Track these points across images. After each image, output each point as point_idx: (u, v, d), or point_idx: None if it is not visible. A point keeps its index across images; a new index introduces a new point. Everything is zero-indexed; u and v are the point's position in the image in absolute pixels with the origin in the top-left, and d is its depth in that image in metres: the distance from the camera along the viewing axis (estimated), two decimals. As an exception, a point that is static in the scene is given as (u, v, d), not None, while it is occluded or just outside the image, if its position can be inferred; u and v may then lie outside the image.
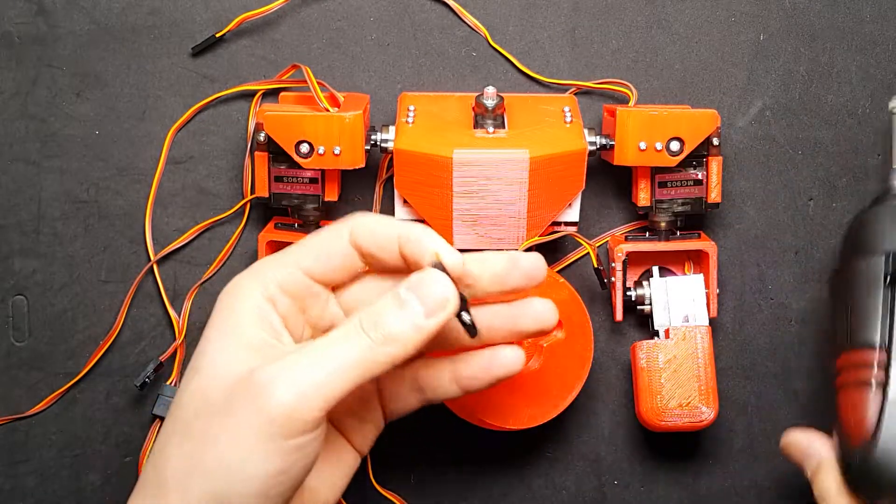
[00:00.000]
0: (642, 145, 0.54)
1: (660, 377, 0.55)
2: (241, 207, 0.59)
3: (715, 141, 0.55)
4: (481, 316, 0.44)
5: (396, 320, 0.40)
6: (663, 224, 0.57)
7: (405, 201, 0.55)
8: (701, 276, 0.57)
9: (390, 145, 0.54)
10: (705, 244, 0.57)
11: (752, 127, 0.60)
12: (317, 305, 0.44)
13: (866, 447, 0.45)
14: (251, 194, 0.58)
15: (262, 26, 0.59)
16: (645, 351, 0.56)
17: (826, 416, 0.50)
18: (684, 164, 0.55)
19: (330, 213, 0.59)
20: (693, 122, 0.54)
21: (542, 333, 0.46)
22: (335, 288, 0.45)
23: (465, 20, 0.59)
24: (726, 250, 0.60)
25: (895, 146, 0.53)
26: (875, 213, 0.54)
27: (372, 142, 0.54)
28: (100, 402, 0.60)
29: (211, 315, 0.43)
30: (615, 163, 0.55)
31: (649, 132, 0.54)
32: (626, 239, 0.57)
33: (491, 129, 0.53)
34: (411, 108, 0.55)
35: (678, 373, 0.55)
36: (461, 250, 0.54)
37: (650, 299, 0.57)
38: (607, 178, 0.59)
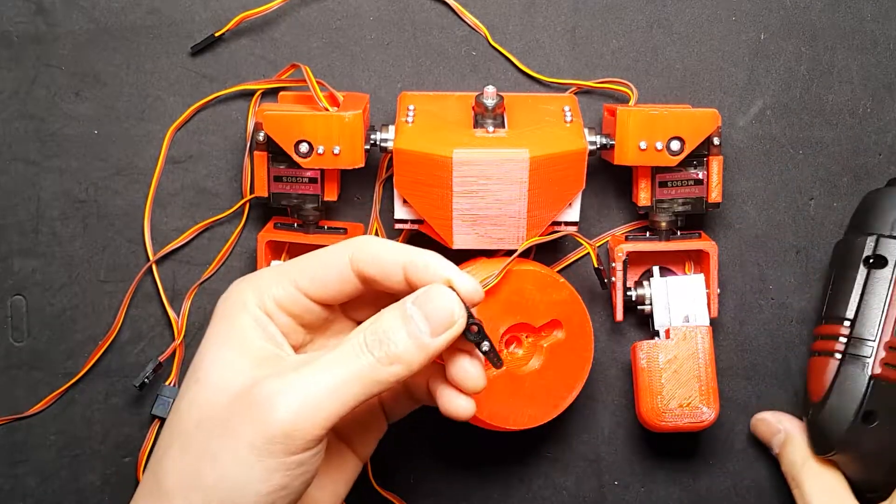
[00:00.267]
0: (643, 145, 0.54)
1: (660, 377, 0.55)
2: (240, 207, 0.59)
3: (715, 140, 0.55)
4: None
5: (401, 339, 0.39)
6: (664, 224, 0.57)
7: (405, 201, 0.55)
8: (701, 276, 0.57)
9: (390, 145, 0.54)
10: (706, 244, 0.57)
11: (753, 126, 0.60)
12: (316, 320, 0.44)
13: (818, 406, 0.53)
14: (250, 194, 0.58)
15: (262, 26, 0.59)
16: (645, 351, 0.56)
17: (874, 390, 0.52)
18: (685, 164, 0.55)
19: (329, 212, 0.59)
20: (693, 121, 0.54)
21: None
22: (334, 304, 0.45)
23: (465, 19, 0.59)
24: (727, 250, 0.60)
25: None
26: (878, 194, 0.56)
27: (371, 141, 0.54)
28: (99, 402, 0.60)
29: (210, 323, 0.43)
30: (615, 162, 0.55)
31: (650, 132, 0.54)
32: (627, 239, 0.57)
33: (491, 129, 0.53)
34: (411, 107, 0.55)
35: (679, 373, 0.55)
36: (461, 250, 0.54)
37: (650, 299, 0.57)
38: (607, 178, 0.59)
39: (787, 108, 0.60)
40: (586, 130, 0.54)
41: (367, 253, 0.42)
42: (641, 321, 0.59)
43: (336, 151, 0.53)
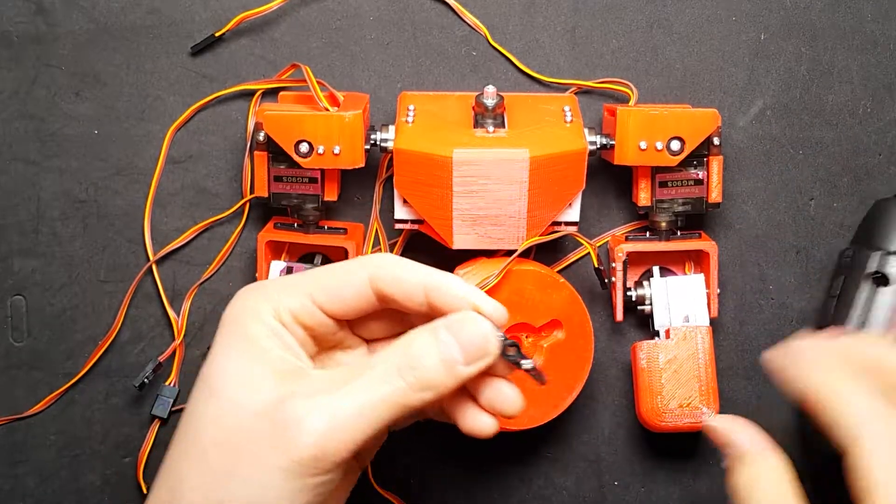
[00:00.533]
0: (643, 145, 0.54)
1: (660, 377, 0.55)
2: (240, 207, 0.59)
3: (716, 140, 0.55)
4: None
5: (434, 366, 0.39)
6: (664, 224, 0.57)
7: (405, 201, 0.55)
8: (701, 276, 0.57)
9: (390, 145, 0.54)
10: (706, 244, 0.57)
11: (753, 126, 0.60)
12: (325, 334, 0.43)
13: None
14: (251, 194, 0.58)
15: (262, 25, 0.59)
16: (645, 351, 0.56)
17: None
18: (685, 164, 0.55)
19: (329, 212, 0.59)
20: (694, 121, 0.54)
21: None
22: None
23: (465, 19, 0.59)
24: (727, 250, 0.60)
25: None
26: (887, 205, 0.56)
27: (372, 141, 0.54)
28: (99, 402, 0.60)
29: (219, 333, 0.41)
30: (615, 162, 0.55)
31: (650, 132, 0.54)
32: (627, 239, 0.57)
33: (491, 129, 0.53)
34: (411, 107, 0.55)
35: (679, 373, 0.55)
36: (461, 250, 0.54)
37: (650, 299, 0.57)
38: (607, 178, 0.59)
39: (787, 109, 0.60)
40: (586, 130, 0.54)
41: (388, 273, 0.41)
42: (641, 321, 0.59)
43: (336, 151, 0.53)
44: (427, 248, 0.58)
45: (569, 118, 0.55)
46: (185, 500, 0.38)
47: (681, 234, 0.57)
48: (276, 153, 0.54)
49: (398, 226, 0.56)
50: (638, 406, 0.56)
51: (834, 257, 0.59)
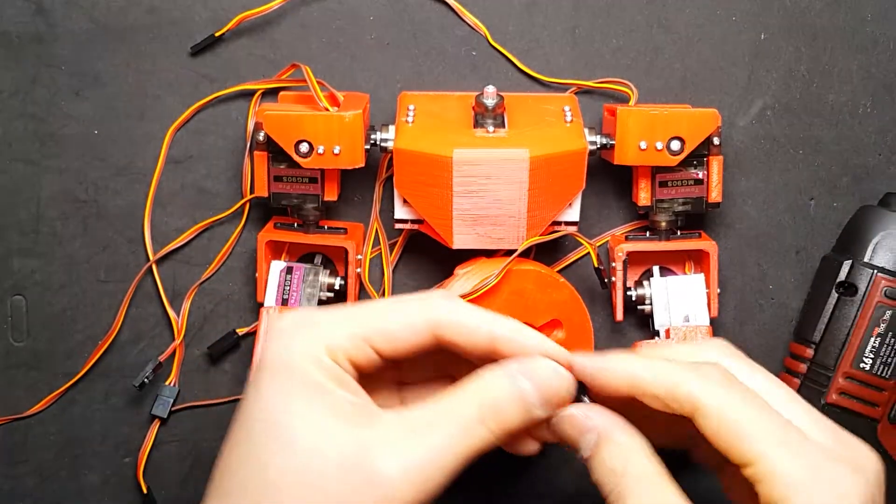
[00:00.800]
0: (643, 145, 0.54)
1: (660, 377, 0.55)
2: (240, 207, 0.59)
3: (715, 140, 0.55)
4: None
5: (516, 412, 0.38)
6: (664, 224, 0.57)
7: (405, 201, 0.55)
8: (701, 276, 0.57)
9: (390, 145, 0.54)
10: (706, 244, 0.57)
11: (753, 126, 0.60)
12: (373, 371, 0.41)
13: None
14: (250, 194, 0.58)
15: (262, 25, 0.59)
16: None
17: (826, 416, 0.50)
18: (685, 164, 0.55)
19: (329, 212, 0.59)
20: (694, 121, 0.54)
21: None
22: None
23: (465, 19, 0.59)
24: (727, 250, 0.60)
25: None
26: (866, 212, 0.56)
27: (372, 141, 0.54)
28: (99, 402, 0.60)
29: (272, 376, 0.37)
30: (615, 162, 0.55)
31: (650, 131, 0.54)
32: (627, 238, 0.57)
33: (491, 129, 0.53)
34: (411, 107, 0.55)
35: (678, 373, 0.55)
36: (461, 250, 0.54)
37: (651, 299, 0.57)
38: (607, 178, 0.59)
39: (787, 108, 0.60)
40: (586, 130, 0.54)
41: (452, 321, 0.39)
42: (641, 321, 0.59)
43: (336, 151, 0.53)
44: (427, 248, 0.58)
45: (569, 118, 0.55)
46: None
47: (681, 234, 0.57)
48: (276, 153, 0.54)
49: (398, 226, 0.56)
50: (638, 406, 0.56)
51: (834, 257, 0.60)
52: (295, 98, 0.57)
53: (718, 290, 0.57)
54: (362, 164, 0.54)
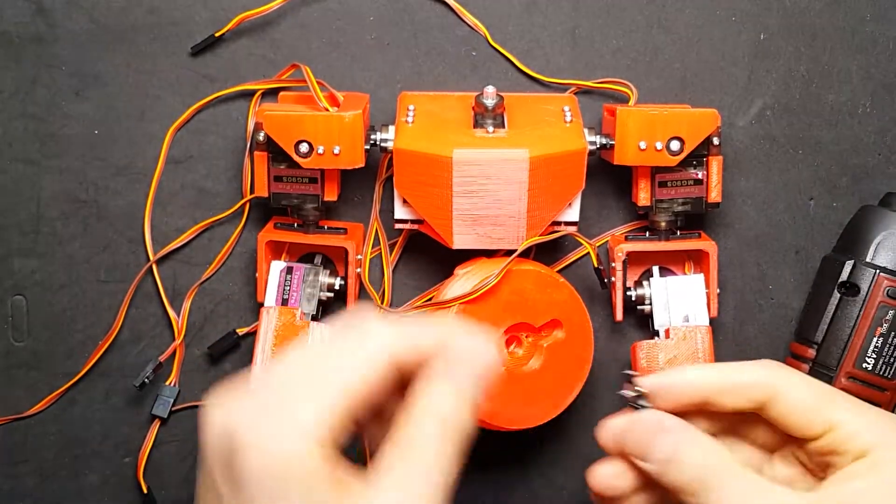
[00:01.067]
0: (642, 145, 0.54)
1: (660, 377, 0.55)
2: (240, 207, 0.59)
3: (715, 140, 0.55)
4: None
5: (469, 413, 0.37)
6: (663, 224, 0.57)
7: (405, 201, 0.55)
8: (701, 276, 0.57)
9: (390, 145, 0.54)
10: (705, 244, 0.57)
11: (753, 126, 0.60)
12: None
13: None
14: (251, 194, 0.58)
15: (262, 26, 0.59)
16: (645, 351, 0.56)
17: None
18: (684, 164, 0.55)
19: (329, 212, 0.59)
20: (693, 121, 0.54)
21: None
22: None
23: (465, 19, 0.59)
24: (726, 250, 0.60)
25: None
26: (867, 212, 0.56)
27: (372, 141, 0.54)
28: (99, 402, 0.60)
29: (261, 485, 0.33)
30: (615, 162, 0.55)
31: (649, 132, 0.54)
32: (626, 239, 0.57)
33: (491, 129, 0.53)
34: (411, 107, 0.55)
35: (678, 373, 0.55)
36: (461, 250, 0.54)
37: (650, 299, 0.57)
38: (607, 178, 0.59)
39: (787, 108, 0.60)
40: (586, 130, 0.54)
41: (408, 348, 0.37)
42: (641, 321, 0.59)
43: (336, 151, 0.53)
44: (427, 248, 0.58)
45: (568, 118, 0.55)
46: None
47: (680, 234, 0.57)
48: (276, 153, 0.55)
49: (398, 226, 0.56)
50: (638, 406, 0.56)
51: (834, 257, 0.60)
52: (295, 98, 0.57)
53: (718, 291, 0.57)
54: (362, 165, 0.54)
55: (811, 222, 0.60)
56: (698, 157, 0.56)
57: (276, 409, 0.34)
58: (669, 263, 0.59)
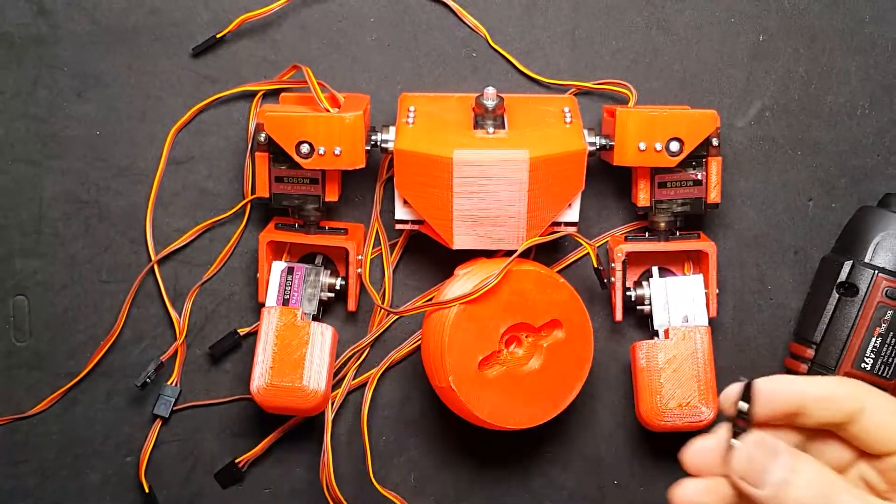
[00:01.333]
0: (642, 146, 0.54)
1: (659, 377, 0.55)
2: (241, 208, 0.59)
3: (714, 141, 0.55)
4: None
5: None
6: (663, 224, 0.57)
7: (405, 201, 0.55)
8: (700, 277, 0.57)
9: (391, 146, 0.54)
10: (705, 244, 0.57)
11: (752, 127, 0.60)
12: None
13: None
14: (252, 195, 0.58)
15: (263, 27, 0.59)
16: (645, 351, 0.56)
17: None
18: (684, 165, 0.55)
19: (330, 213, 0.59)
20: (693, 122, 0.54)
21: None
22: None
23: (466, 21, 0.59)
24: (726, 250, 0.60)
25: None
26: (866, 213, 0.56)
27: (372, 142, 0.54)
28: (100, 401, 0.60)
29: None
30: (615, 163, 0.55)
31: (649, 132, 0.54)
32: (626, 239, 0.58)
33: (491, 130, 0.54)
34: (411, 108, 0.55)
35: (678, 373, 0.55)
36: (461, 251, 0.54)
37: (650, 299, 0.57)
38: (607, 179, 0.59)
39: (786, 110, 0.60)
40: (586, 131, 0.55)
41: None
42: (641, 321, 0.60)
43: (337, 152, 0.53)
44: (427, 248, 0.58)
45: (568, 119, 0.55)
46: None
47: (680, 235, 0.58)
48: (277, 154, 0.55)
49: (398, 226, 0.56)
50: (637, 406, 0.56)
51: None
52: (296, 99, 0.58)
53: (717, 291, 0.57)
54: (363, 165, 0.54)
55: (810, 223, 0.60)
56: (698, 157, 0.56)
57: None
58: (669, 264, 0.59)
